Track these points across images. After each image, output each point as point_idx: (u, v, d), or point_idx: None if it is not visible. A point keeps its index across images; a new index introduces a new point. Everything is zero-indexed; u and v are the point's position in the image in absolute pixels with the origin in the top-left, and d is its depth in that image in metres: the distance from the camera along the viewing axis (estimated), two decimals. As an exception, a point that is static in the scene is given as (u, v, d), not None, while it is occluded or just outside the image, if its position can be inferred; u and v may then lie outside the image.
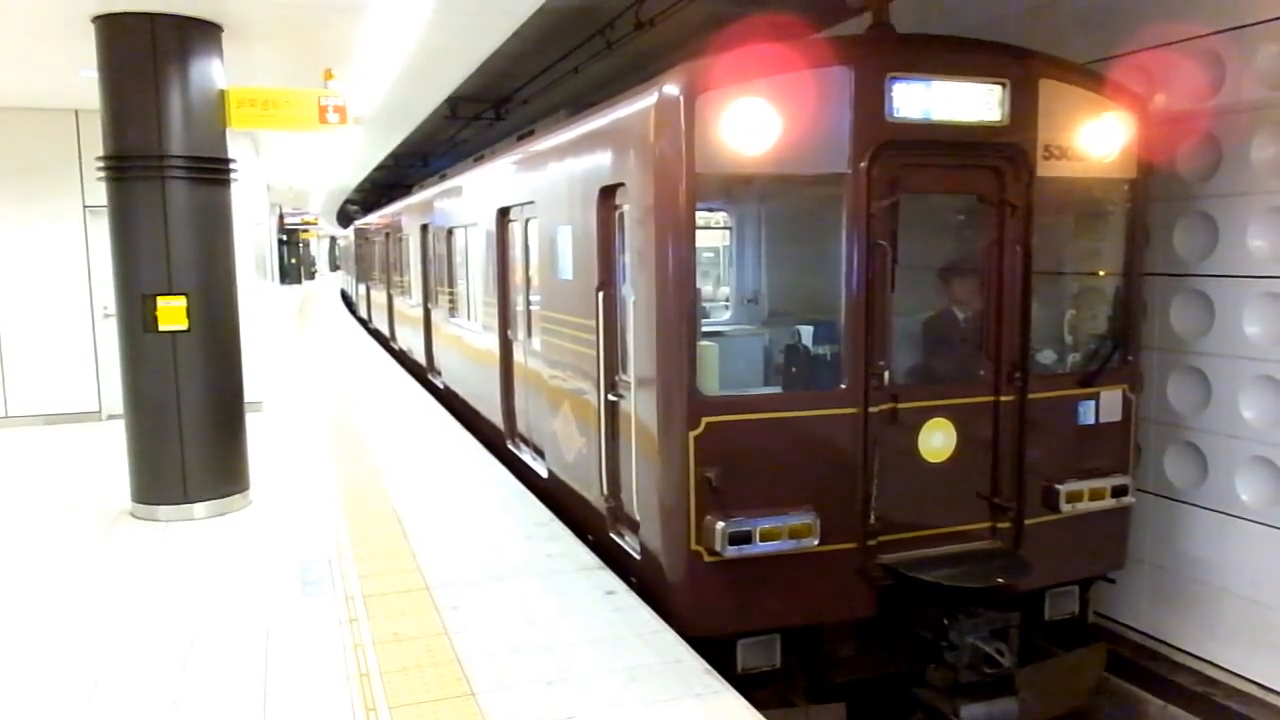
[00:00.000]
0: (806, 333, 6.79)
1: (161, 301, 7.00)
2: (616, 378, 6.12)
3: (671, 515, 5.30)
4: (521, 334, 8.76)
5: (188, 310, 7.05)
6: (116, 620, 5.43)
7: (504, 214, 9.13)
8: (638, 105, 5.56)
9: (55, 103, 10.59)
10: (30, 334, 11.12)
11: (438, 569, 6.10)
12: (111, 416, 10.79)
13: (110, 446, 9.03)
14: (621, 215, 5.95)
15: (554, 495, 7.58)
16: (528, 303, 8.44)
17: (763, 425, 5.30)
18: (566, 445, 7.21)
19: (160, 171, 6.91)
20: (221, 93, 7.26)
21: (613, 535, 6.27)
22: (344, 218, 48.75)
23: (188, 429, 7.17)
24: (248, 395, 7.98)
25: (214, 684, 4.59)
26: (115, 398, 8.60)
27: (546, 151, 7.53)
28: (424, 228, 14.46)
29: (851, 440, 5.35)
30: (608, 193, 6.08)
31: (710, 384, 5.62)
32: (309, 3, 7.01)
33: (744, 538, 5.08)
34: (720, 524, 5.08)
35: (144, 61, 6.87)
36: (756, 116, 5.01)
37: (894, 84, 5.29)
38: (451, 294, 12.36)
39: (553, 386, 7.49)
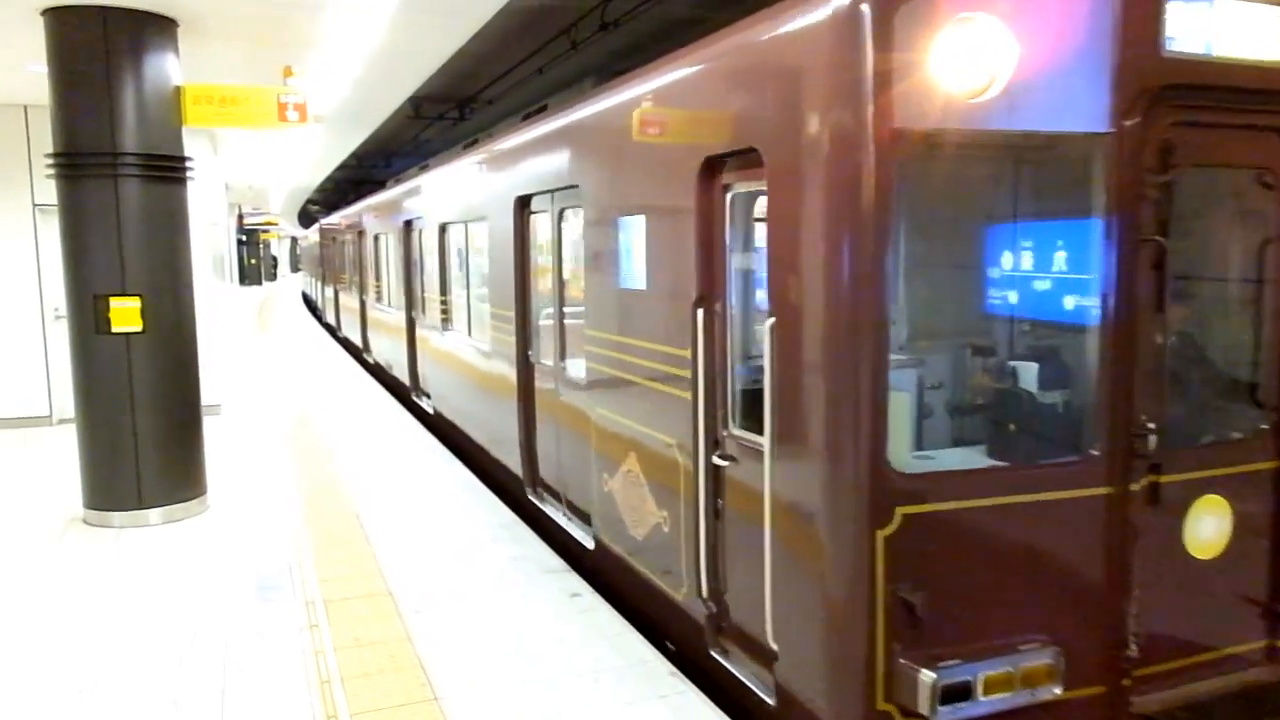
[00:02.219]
0: (1028, 373, 4.47)
1: (114, 302, 6.84)
2: (725, 433, 4.45)
3: (843, 655, 3.60)
4: (550, 357, 6.92)
5: (142, 311, 6.89)
6: (67, 629, 5.28)
7: (525, 204, 7.21)
8: (785, 30, 3.85)
9: (2, 98, 10.33)
10: (-22, 336, 10.83)
11: (401, 573, 6.02)
12: (63, 420, 10.54)
13: (61, 451, 8.82)
14: (735, 199, 4.36)
15: (605, 574, 5.94)
16: (561, 318, 6.74)
17: (984, 516, 3.63)
18: (631, 514, 5.46)
19: (113, 169, 6.75)
20: (177, 89, 7.11)
21: (714, 654, 4.60)
22: (306, 218, 48.21)
23: (142, 433, 7.02)
24: (205, 399, 7.83)
25: (168, 693, 4.48)
26: (66, 401, 8.41)
27: (601, 117, 5.73)
28: (407, 225, 12.49)
29: (1101, 533, 3.73)
30: (713, 167, 4.39)
31: (903, 455, 3.84)
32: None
33: (961, 692, 3.43)
34: (927, 673, 3.40)
35: (95, 56, 6.71)
36: (986, 44, 3.37)
37: (1169, 1, 3.63)
38: (445, 303, 10.46)
39: (607, 432, 5.72)
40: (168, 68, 7.05)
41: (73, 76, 6.81)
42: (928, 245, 4.56)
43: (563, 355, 6.68)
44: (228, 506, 7.58)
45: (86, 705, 4.40)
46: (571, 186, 6.14)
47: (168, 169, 7.03)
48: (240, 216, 35.85)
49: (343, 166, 24.45)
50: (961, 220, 4.64)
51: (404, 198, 12.80)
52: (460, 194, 9.32)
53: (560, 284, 6.76)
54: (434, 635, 5.06)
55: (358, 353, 18.55)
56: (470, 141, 10.67)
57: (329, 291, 26.08)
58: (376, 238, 15.66)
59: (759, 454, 4.03)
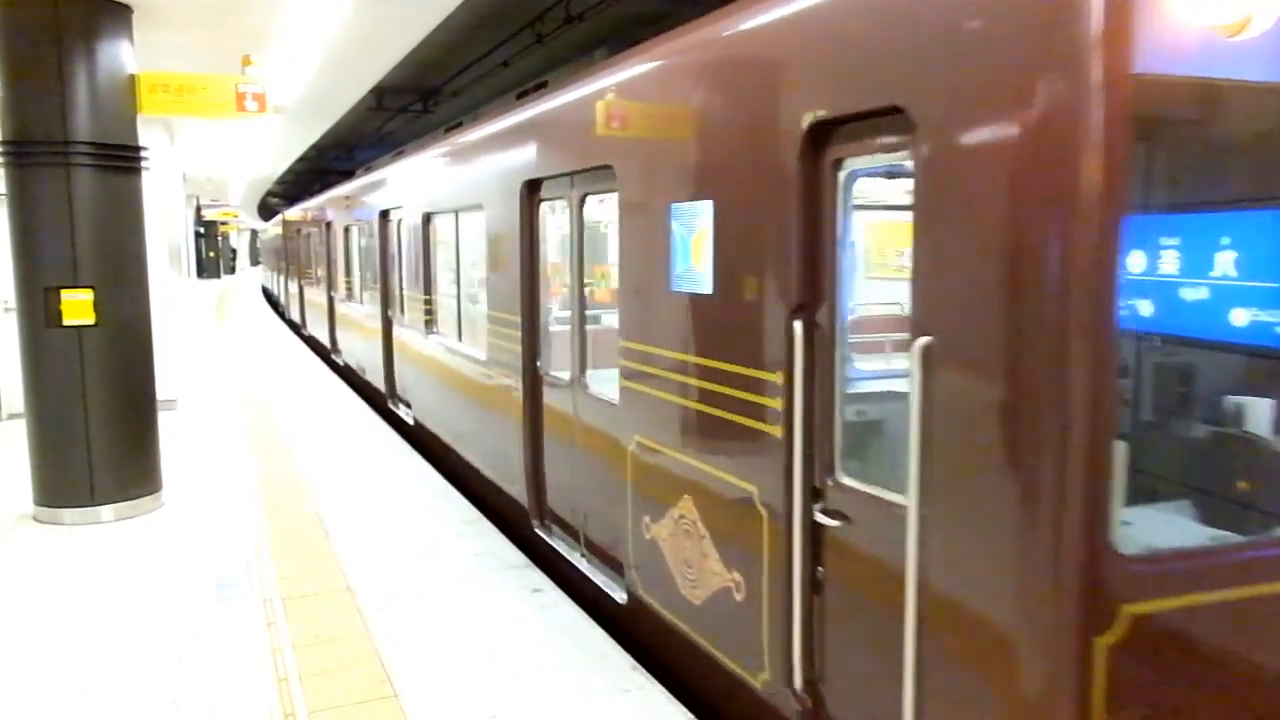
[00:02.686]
0: (1256, 410, 3.35)
1: (66, 295, 6.69)
2: (830, 482, 3.47)
3: None
4: (565, 370, 5.94)
5: (95, 304, 6.75)
6: (16, 629, 5.16)
7: (534, 190, 6.21)
8: None
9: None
10: (-76, 328, 10.54)
11: (361, 569, 5.96)
12: (12, 416, 10.29)
13: (10, 447, 8.62)
14: (850, 177, 3.36)
15: (642, 637, 4.99)
16: (581, 324, 5.76)
17: (1224, 614, 2.71)
18: (685, 571, 4.39)
19: (65, 159, 6.60)
20: (132, 77, 6.96)
21: None
22: (266, 210, 47.55)
23: (94, 428, 6.87)
24: (161, 393, 7.69)
25: (122, 694, 4.40)
26: (16, 396, 8.20)
27: (647, 81, 4.72)
28: (383, 215, 11.28)
29: None
30: (818, 137, 3.38)
31: (1127, 533, 2.73)
32: (225, -14, 6.78)
33: None
34: None
35: (47, 42, 6.55)
36: None
37: None
38: (428, 303, 9.35)
39: (651, 466, 4.66)
40: (122, 55, 6.90)
41: (23, 63, 6.64)
42: (1158, 235, 3.42)
43: (583, 368, 5.70)
44: (184, 503, 7.46)
45: (31, 708, 4.30)
46: (600, 167, 5.10)
47: (122, 159, 6.88)
48: (198, 208, 35.31)
49: (304, 158, 24.17)
50: (1204, 203, 3.39)
51: (380, 185, 11.56)
52: (449, 180, 8.28)
53: (580, 284, 5.76)
54: (394, 632, 5.02)
55: (325, 353, 17.29)
56: (453, 125, 9.57)
57: (293, 287, 24.44)
58: (347, 229, 14.38)
59: (891, 515, 3.04)
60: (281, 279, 29.09)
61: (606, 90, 5.00)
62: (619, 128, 4.90)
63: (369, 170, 13.51)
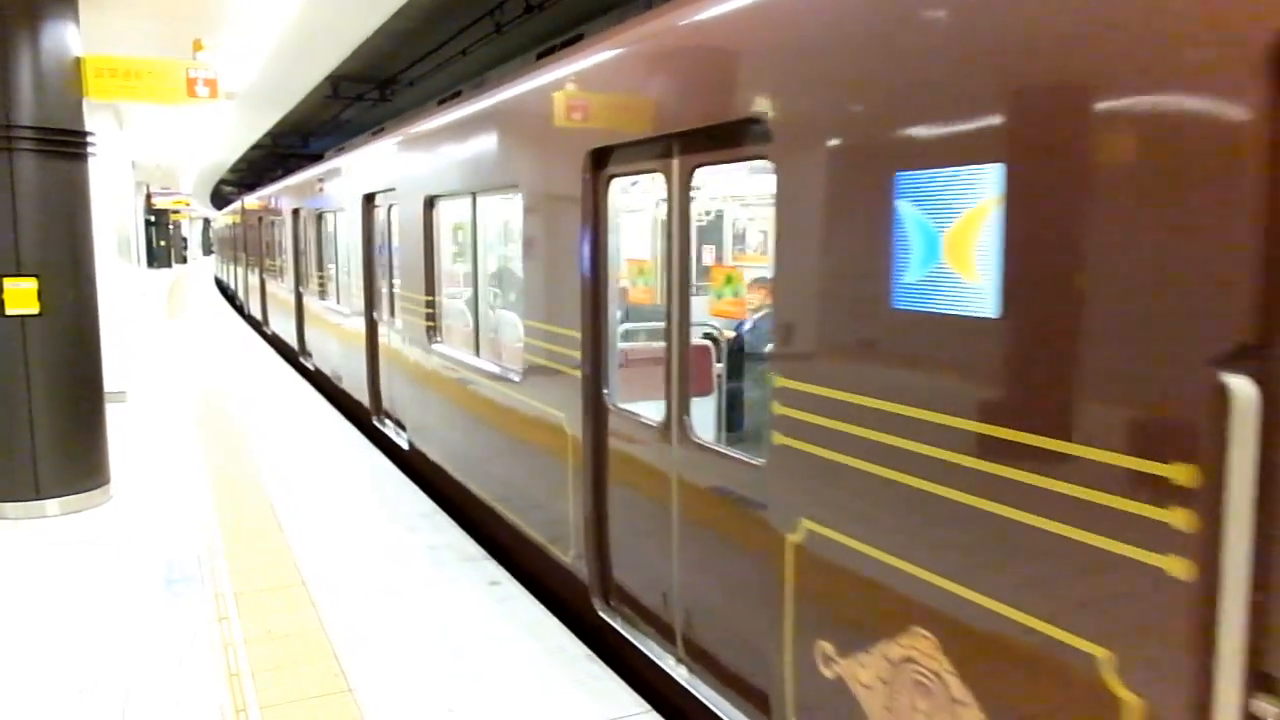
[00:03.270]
0: None
1: (9, 283, 6.51)
2: None
3: None
4: (648, 404, 4.58)
5: (39, 293, 6.58)
6: (-43, 626, 5.04)
7: (600, 163, 4.72)
8: None
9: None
10: None
11: (316, 563, 5.89)
12: (-45, 407, 10.01)
13: (-48, 439, 8.37)
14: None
15: None
16: (684, 345, 4.26)
17: None
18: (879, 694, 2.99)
19: (7, 143, 6.42)
20: (77, 60, 6.79)
21: None
22: (219, 198, 46.72)
23: (39, 420, 6.71)
24: (109, 385, 7.53)
25: (67, 691, 4.31)
26: (-42, 387, 7.98)
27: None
28: (369, 201, 9.62)
29: None
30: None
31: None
32: (174, -32, 6.65)
33: None
34: None
35: (-13, 23, 6.36)
36: None
37: None
38: (430, 306, 7.68)
39: (840, 573, 3.14)
40: (67, 37, 6.72)
41: (-38, 44, 6.45)
42: None
43: (684, 406, 4.22)
44: (133, 497, 7.31)
45: (-23, 704, 4.20)
46: (738, 122, 3.55)
47: (66, 144, 6.71)
48: (149, 196, 34.60)
49: (259, 146, 23.79)
50: None
51: (363, 166, 9.78)
52: (464, 157, 6.68)
53: (683, 288, 4.16)
54: (350, 626, 4.97)
55: (293, 355, 15.50)
56: (451, 95, 8.03)
57: (252, 279, 22.03)
58: (320, 218, 12.53)
59: None
60: (239, 271, 26.76)
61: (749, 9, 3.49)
62: (782, 58, 3.29)
63: (341, 152, 11.84)
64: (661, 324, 4.36)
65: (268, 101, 14.36)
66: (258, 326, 20.82)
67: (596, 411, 4.91)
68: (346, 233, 10.64)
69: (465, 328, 7.41)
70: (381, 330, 9.50)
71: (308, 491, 7.54)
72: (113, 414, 7.54)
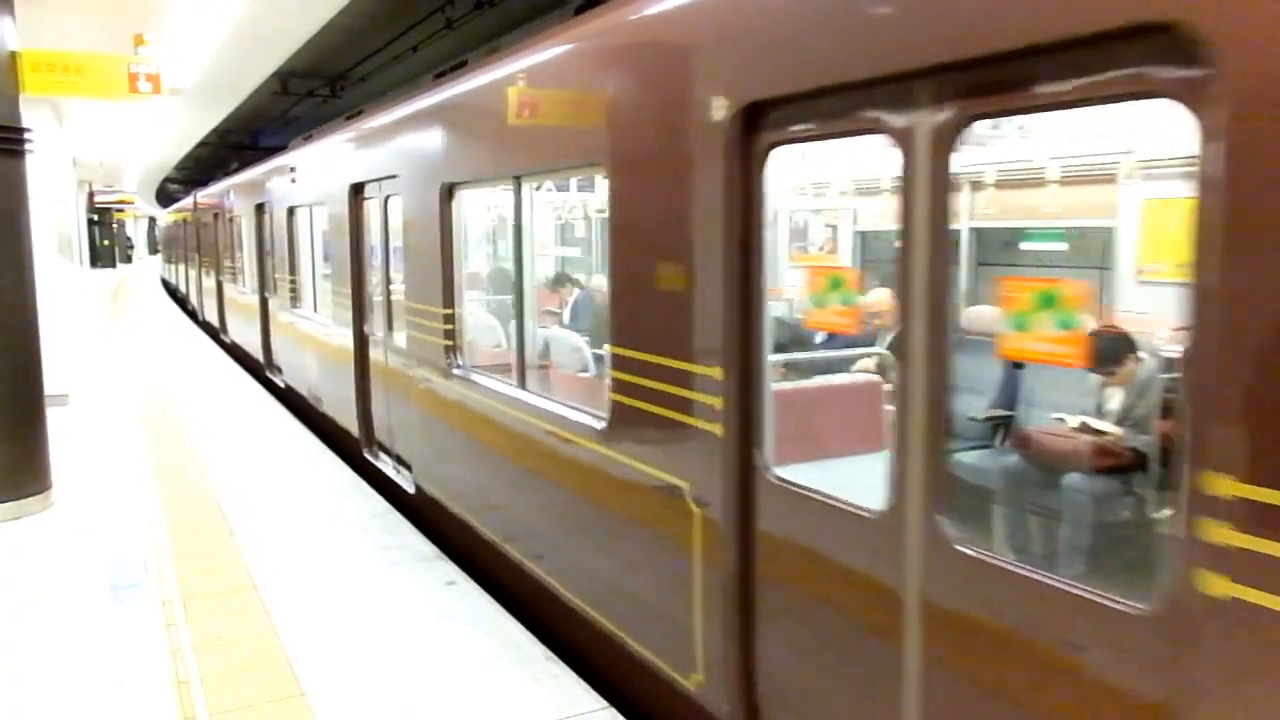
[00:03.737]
0: None
1: (-57, 284, 6.32)
2: None
3: None
4: (800, 461, 3.56)
5: (-25, 294, 6.39)
6: (-110, 638, 4.87)
7: (754, 122, 3.33)
8: None
9: None
10: None
11: (267, 566, 5.80)
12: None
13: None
14: None
15: None
16: (909, 377, 2.84)
17: None
18: None
19: (-61, 139, 6.23)
20: (12, 54, 6.59)
21: None
22: (165, 196, 45.71)
23: (-24, 424, 6.51)
24: (50, 387, 7.33)
25: (9, 704, 4.19)
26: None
27: None
28: (357, 191, 7.99)
29: None
30: None
31: None
32: (114, -40, 6.50)
33: None
34: None
35: (-83, 15, 6.16)
36: None
37: None
38: (448, 321, 6.13)
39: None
40: (2, 31, 6.52)
41: (-110, 36, 6.24)
42: None
43: (938, 482, 2.77)
44: (76, 503, 7.13)
45: (-88, 719, 4.07)
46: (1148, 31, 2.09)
47: (2, 140, 6.52)
48: (91, 194, 33.78)
49: (205, 143, 23.34)
50: None
51: (353, 151, 8.13)
52: (511, 130, 5.01)
53: (939, 310, 2.74)
54: (302, 630, 4.90)
55: (258, 366, 13.76)
56: (455, 64, 6.72)
57: (207, 282, 19.98)
58: (291, 213, 10.77)
59: None
60: (191, 273, 24.48)
61: None
62: None
63: (310, 140, 10.32)
64: (834, 353, 3.79)
65: (214, 97, 14.10)
66: (214, 334, 18.99)
67: (744, 482, 3.49)
68: (327, 230, 9.02)
69: (499, 349, 6.29)
70: (375, 347, 7.91)
71: (259, 494, 7.42)
72: (54, 417, 7.35)
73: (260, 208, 12.59)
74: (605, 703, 4.20)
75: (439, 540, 6.30)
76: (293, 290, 11.08)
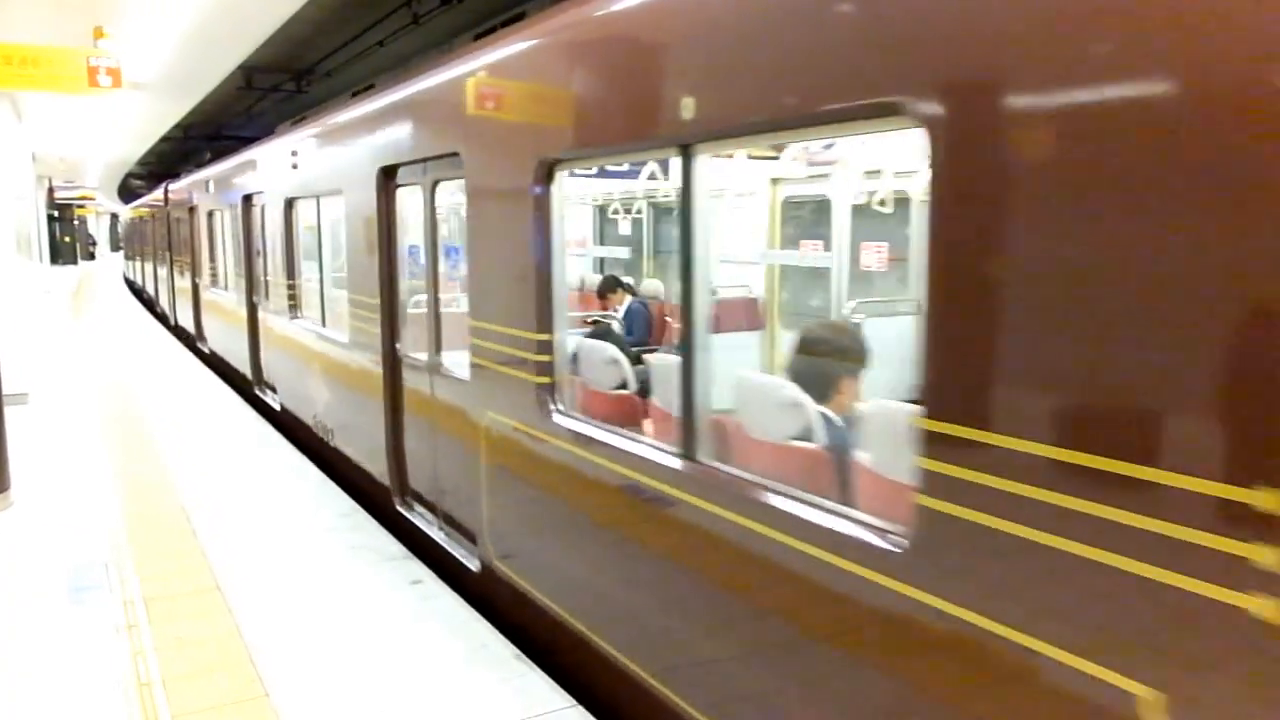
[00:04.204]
0: None
1: (-105, 281, 6.18)
2: None
3: None
4: None
5: (-72, 291, 6.27)
6: None
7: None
8: None
9: None
10: None
11: (231, 566, 5.73)
12: None
13: None
14: None
15: None
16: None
17: None
18: None
19: (-110, 133, 6.09)
20: (-33, 47, 6.48)
21: None
22: (127, 193, 45.00)
23: (-69, 424, 6.38)
24: (8, 386, 7.22)
25: (-37, 707, 4.12)
26: None
27: None
28: (387, 176, 6.46)
29: None
30: None
31: None
32: (72, -49, 6.38)
33: None
34: None
35: None
36: None
37: None
38: (543, 350, 4.58)
39: None
40: (-45, 22, 6.41)
41: None
42: None
43: None
44: (35, 502, 7.01)
45: None
46: None
47: (-43, 135, 6.40)
48: (51, 190, 33.20)
49: (168, 138, 23.00)
50: None
51: (368, 128, 6.73)
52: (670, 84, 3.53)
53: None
54: (267, 630, 4.85)
55: (250, 382, 11.90)
56: (478, 33, 5.79)
57: (180, 282, 18.10)
58: (291, 206, 9.24)
59: None
60: (162, 272, 22.44)
61: None
62: None
63: (299, 124, 8.94)
64: None
65: (178, 92, 13.89)
66: (192, 345, 16.65)
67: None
68: (357, 229, 7.00)
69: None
70: (411, 375, 6.40)
71: (223, 494, 7.33)
72: (13, 417, 7.22)
73: (248, 200, 10.78)
74: (572, 700, 4.20)
75: (507, 633, 4.87)
76: (291, 300, 9.50)
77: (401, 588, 5.43)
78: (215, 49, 10.25)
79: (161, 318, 22.79)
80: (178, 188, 18.55)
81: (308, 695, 4.19)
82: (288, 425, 9.67)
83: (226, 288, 13.18)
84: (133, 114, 15.67)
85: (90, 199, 39.93)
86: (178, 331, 19.06)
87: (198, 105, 16.68)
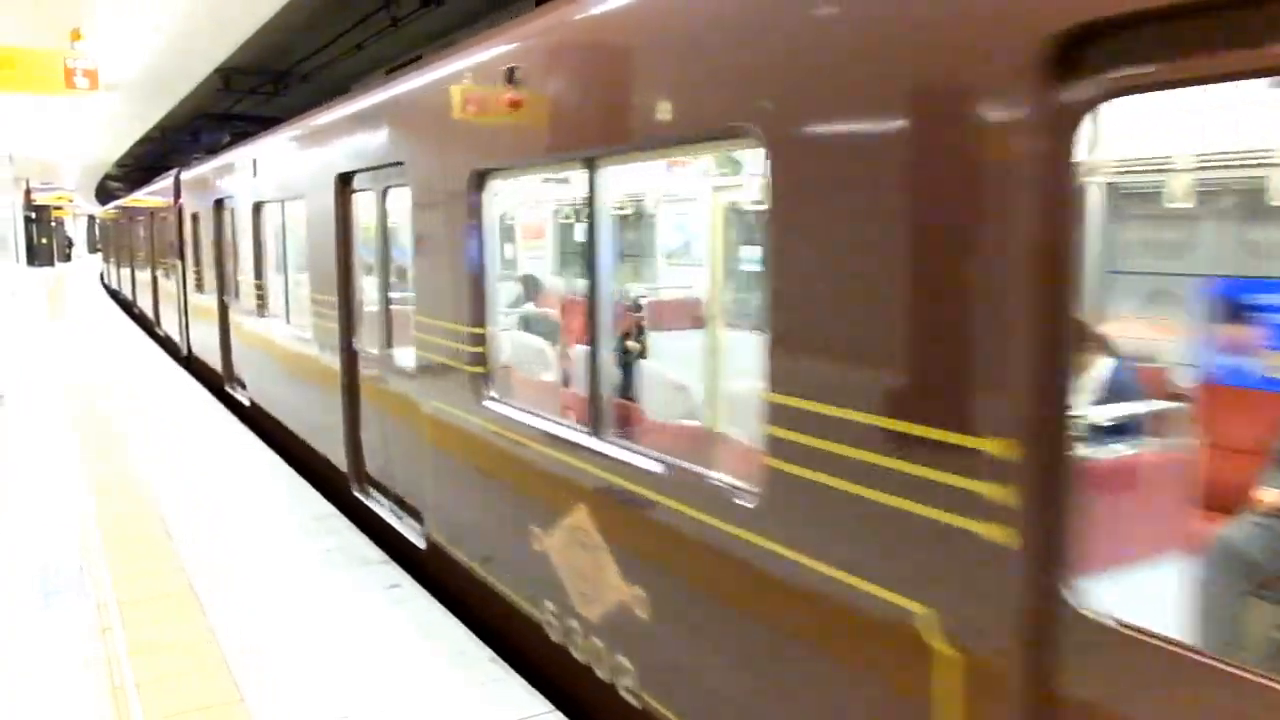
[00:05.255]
0: None
1: None
2: None
3: None
4: None
5: (-100, 293, 6.22)
6: None
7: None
8: None
9: None
10: None
11: (205, 569, 5.72)
12: None
13: None
14: None
15: None
16: None
17: None
18: None
19: None
20: (-60, 48, 6.44)
21: None
22: (105, 194, 44.62)
23: (-97, 428, 6.33)
24: (-20, 389, 7.16)
25: (-67, 712, 4.10)
26: None
27: None
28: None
29: None
30: None
31: None
32: (47, -47, 6.35)
33: None
34: None
35: None
36: None
37: None
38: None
39: None
40: (-72, 23, 6.37)
41: None
42: None
43: None
44: (8, 504, 6.96)
45: None
46: None
47: (-70, 136, 6.36)
48: (28, 191, 32.90)
49: (147, 140, 22.84)
50: None
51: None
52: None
53: None
54: (242, 634, 4.84)
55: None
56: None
57: (168, 285, 16.83)
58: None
59: None
60: (142, 276, 20.95)
61: None
62: None
63: (300, 113, 8.31)
64: None
65: (155, 94, 13.82)
66: (185, 361, 15.06)
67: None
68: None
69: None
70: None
71: (195, 495, 7.30)
72: (-15, 420, 7.17)
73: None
74: (550, 705, 4.22)
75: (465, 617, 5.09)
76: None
77: (377, 591, 5.43)
78: (193, 52, 10.21)
79: (138, 319, 21.72)
80: (148, 193, 18.02)
81: (283, 700, 4.19)
82: (256, 420, 9.91)
83: (206, 293, 12.64)
84: (111, 115, 15.58)
85: (68, 200, 39.60)
86: (166, 343, 17.13)
87: (175, 107, 16.60)
